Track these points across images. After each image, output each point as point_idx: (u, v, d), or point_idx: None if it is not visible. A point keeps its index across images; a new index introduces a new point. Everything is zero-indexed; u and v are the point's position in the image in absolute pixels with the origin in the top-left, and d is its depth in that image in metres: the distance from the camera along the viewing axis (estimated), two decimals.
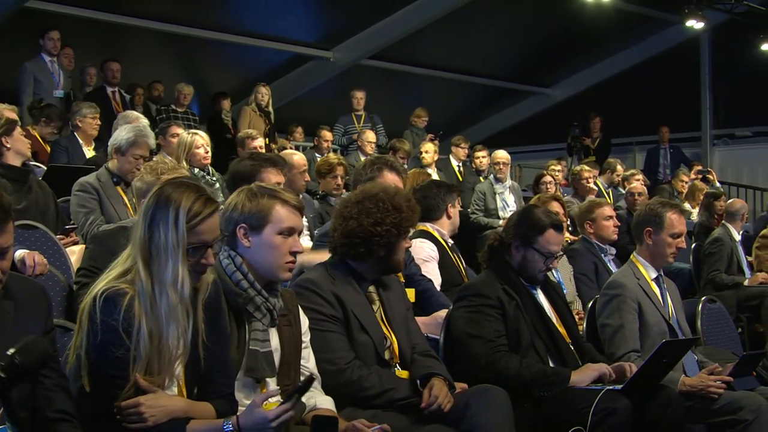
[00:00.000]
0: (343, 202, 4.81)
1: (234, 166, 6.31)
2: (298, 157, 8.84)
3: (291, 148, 14.31)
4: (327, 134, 14.57)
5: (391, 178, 6.09)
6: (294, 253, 4.08)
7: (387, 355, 4.60)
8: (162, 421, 3.47)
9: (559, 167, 14.37)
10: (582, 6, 17.08)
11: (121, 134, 7.30)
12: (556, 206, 7.41)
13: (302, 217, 4.21)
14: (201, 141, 8.90)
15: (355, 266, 4.68)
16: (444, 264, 6.64)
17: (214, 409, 3.68)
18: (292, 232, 4.08)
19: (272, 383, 4.06)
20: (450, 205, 6.87)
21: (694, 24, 17.84)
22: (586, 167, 13.18)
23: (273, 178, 6.02)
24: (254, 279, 4.04)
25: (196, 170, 8.77)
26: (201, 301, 3.69)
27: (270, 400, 3.68)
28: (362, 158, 13.73)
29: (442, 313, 5.60)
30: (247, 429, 3.55)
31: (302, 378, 4.01)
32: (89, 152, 10.32)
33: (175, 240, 3.55)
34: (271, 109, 14.52)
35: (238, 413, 3.65)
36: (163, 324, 3.56)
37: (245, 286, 4.02)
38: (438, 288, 6.35)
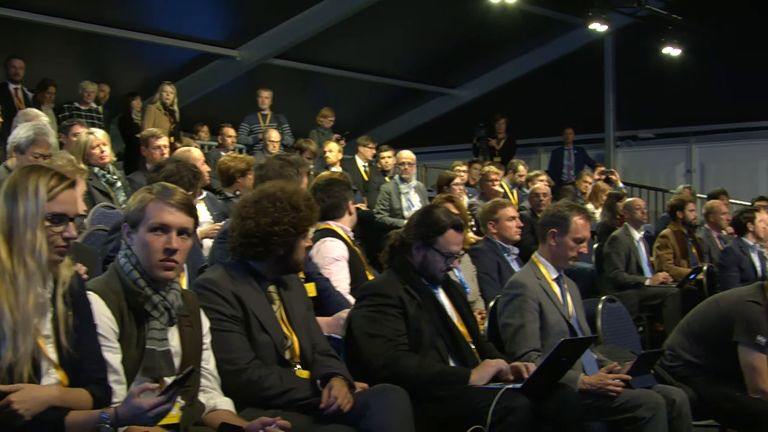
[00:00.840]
0: (241, 202, 4.77)
1: None
2: (196, 153, 8.84)
3: (196, 147, 14.26)
4: (230, 131, 14.54)
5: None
6: (169, 251, 4.02)
7: (288, 355, 4.57)
8: (39, 411, 3.42)
9: (464, 168, 14.43)
10: (488, 8, 17.20)
11: (20, 132, 7.20)
12: (452, 207, 7.45)
13: (189, 215, 4.12)
14: (97, 141, 8.77)
15: (255, 266, 4.64)
16: (352, 262, 6.62)
17: (89, 394, 3.65)
18: (166, 229, 4.03)
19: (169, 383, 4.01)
20: (350, 201, 6.85)
21: (598, 27, 18.07)
22: (494, 168, 13.28)
23: None
24: (150, 278, 4.00)
25: (96, 169, 8.69)
26: (60, 293, 3.69)
27: (148, 392, 3.64)
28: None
29: (344, 313, 5.59)
30: (124, 420, 3.52)
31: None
32: None
33: (35, 208, 3.60)
34: (176, 107, 14.42)
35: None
36: (21, 293, 3.55)
37: (142, 284, 3.98)
38: (348, 287, 6.35)
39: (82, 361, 3.69)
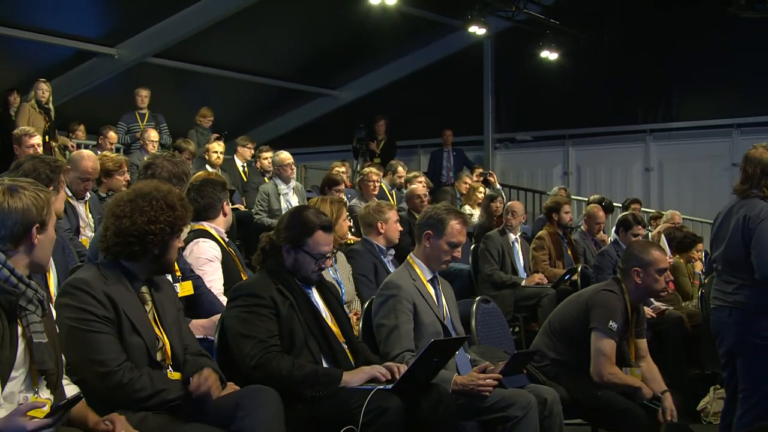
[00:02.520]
0: (115, 201, 4.69)
1: None
2: (86, 154, 8.91)
3: (72, 147, 14.04)
4: (113, 135, 14.33)
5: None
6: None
7: (159, 357, 4.52)
8: None
9: (343, 169, 14.45)
10: (368, 10, 17.22)
11: None
12: (326, 206, 7.45)
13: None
14: None
15: (128, 266, 4.57)
16: (225, 263, 6.57)
17: None
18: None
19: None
20: (225, 202, 6.79)
21: (477, 30, 18.23)
22: (374, 170, 13.31)
23: None
24: (22, 274, 3.92)
25: None
26: None
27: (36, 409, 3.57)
28: (145, 157, 13.54)
29: (217, 316, 5.56)
30: None
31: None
32: None
33: None
34: (51, 105, 14.19)
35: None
36: None
37: (14, 281, 3.89)
38: (221, 288, 6.30)
39: None
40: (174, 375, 4.56)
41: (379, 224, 8.44)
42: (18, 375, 3.85)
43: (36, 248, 4.00)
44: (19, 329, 3.90)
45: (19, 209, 3.94)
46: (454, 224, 6.16)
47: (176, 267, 5.64)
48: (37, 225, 3.98)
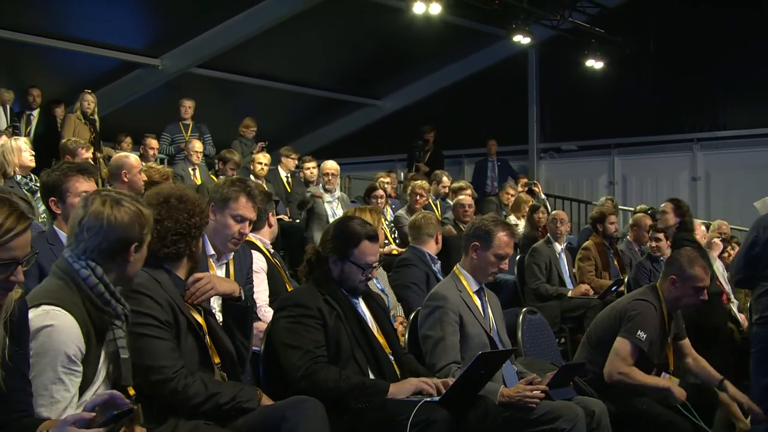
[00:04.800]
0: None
1: (43, 177, 6.15)
2: (134, 159, 8.94)
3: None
4: (153, 142, 14.43)
5: (243, 203, 5.82)
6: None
7: (216, 360, 4.57)
8: None
9: (388, 179, 14.46)
10: (411, 19, 17.22)
11: None
12: (368, 215, 7.45)
13: None
14: (26, 145, 8.76)
15: (169, 268, 4.57)
16: (270, 274, 6.60)
17: None
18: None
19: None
20: (270, 213, 6.81)
21: (521, 39, 18.18)
22: (422, 182, 13.28)
23: (82, 186, 5.88)
24: (114, 289, 3.92)
25: (19, 177, 8.62)
26: (3, 318, 3.48)
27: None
28: (189, 169, 13.64)
29: (262, 325, 5.57)
30: None
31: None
32: None
33: None
34: (96, 117, 14.31)
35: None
36: None
37: (108, 297, 3.88)
38: (267, 299, 6.32)
39: (12, 392, 3.51)
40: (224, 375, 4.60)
41: (436, 234, 8.48)
42: (94, 389, 3.85)
43: (129, 265, 4.01)
44: (105, 346, 3.91)
45: (123, 224, 3.93)
46: (501, 236, 6.16)
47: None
48: (136, 243, 3.98)
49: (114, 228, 3.90)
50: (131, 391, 3.86)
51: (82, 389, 3.78)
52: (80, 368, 3.74)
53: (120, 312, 3.92)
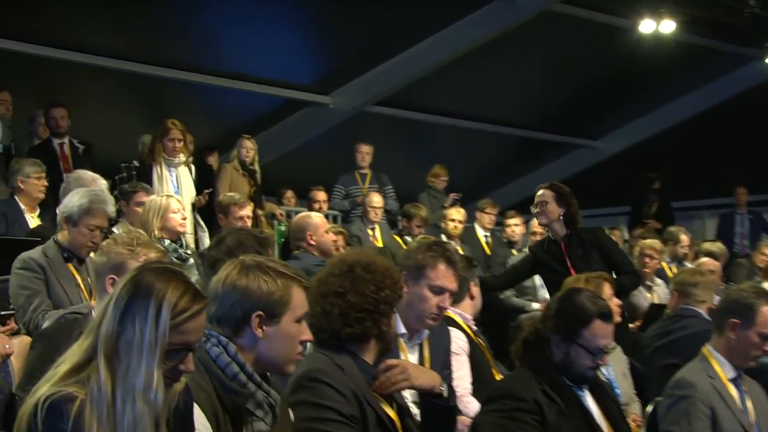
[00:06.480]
0: (323, 280, 4.73)
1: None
2: (319, 218, 9.39)
3: (281, 216, 14.30)
4: (321, 195, 14.59)
5: (443, 271, 5.83)
6: (303, 342, 4.08)
7: None
8: None
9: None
10: (637, 41, 17.09)
11: (72, 200, 7.30)
12: (606, 288, 7.31)
13: None
14: (177, 205, 8.94)
15: (355, 349, 4.64)
16: (472, 357, 6.59)
17: None
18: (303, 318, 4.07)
19: None
20: (473, 283, 6.80)
21: None
22: (652, 243, 13.07)
23: None
24: (252, 371, 3.96)
25: (167, 242, 8.75)
26: (165, 416, 3.53)
27: None
28: (368, 228, 13.73)
29: (465, 419, 5.57)
30: None
31: None
32: (33, 220, 10.16)
33: (154, 338, 3.40)
34: (257, 167, 14.25)
35: None
36: None
37: (243, 380, 3.94)
38: (470, 386, 6.35)
39: None
40: None
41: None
42: None
43: (261, 342, 4.00)
44: None
45: (239, 289, 3.99)
46: (767, 311, 6.05)
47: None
48: (259, 312, 3.99)
49: (229, 294, 4.00)
50: None
51: None
52: None
53: (261, 399, 3.96)
